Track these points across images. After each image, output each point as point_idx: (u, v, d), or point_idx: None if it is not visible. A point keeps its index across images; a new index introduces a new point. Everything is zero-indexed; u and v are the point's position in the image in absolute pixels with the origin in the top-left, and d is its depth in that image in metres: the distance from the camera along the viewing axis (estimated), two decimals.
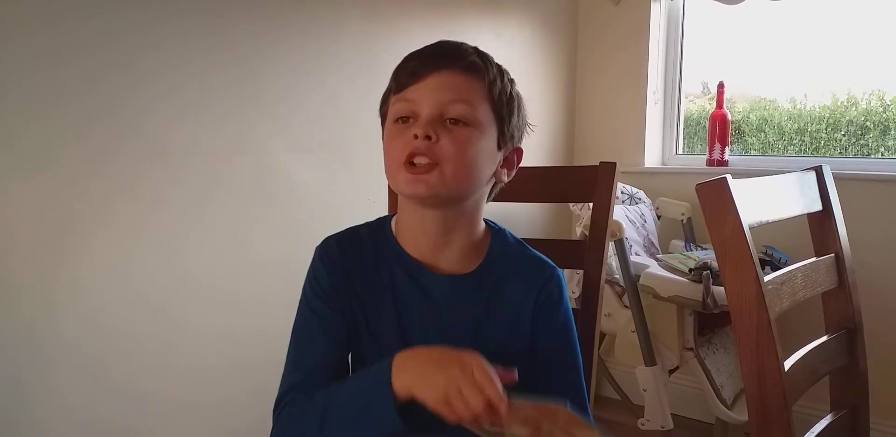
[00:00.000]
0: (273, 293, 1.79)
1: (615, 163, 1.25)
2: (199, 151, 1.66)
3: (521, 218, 2.53)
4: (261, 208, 1.80)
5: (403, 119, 0.87)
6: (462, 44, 0.91)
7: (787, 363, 0.99)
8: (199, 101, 1.65)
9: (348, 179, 1.96)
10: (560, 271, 0.98)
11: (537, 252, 0.99)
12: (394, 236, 0.95)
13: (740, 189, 0.95)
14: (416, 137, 0.84)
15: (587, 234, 2.06)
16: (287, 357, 0.93)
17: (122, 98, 1.53)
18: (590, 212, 1.32)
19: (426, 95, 0.86)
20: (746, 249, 0.91)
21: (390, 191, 1.32)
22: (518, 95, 0.94)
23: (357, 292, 0.92)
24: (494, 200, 1.17)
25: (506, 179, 0.96)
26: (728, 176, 0.93)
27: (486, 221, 0.98)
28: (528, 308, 0.94)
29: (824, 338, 1.18)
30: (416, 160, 0.84)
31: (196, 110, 1.65)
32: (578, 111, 2.80)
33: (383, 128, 0.94)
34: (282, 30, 1.81)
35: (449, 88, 0.86)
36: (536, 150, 2.65)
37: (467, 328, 0.92)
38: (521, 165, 0.99)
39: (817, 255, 1.23)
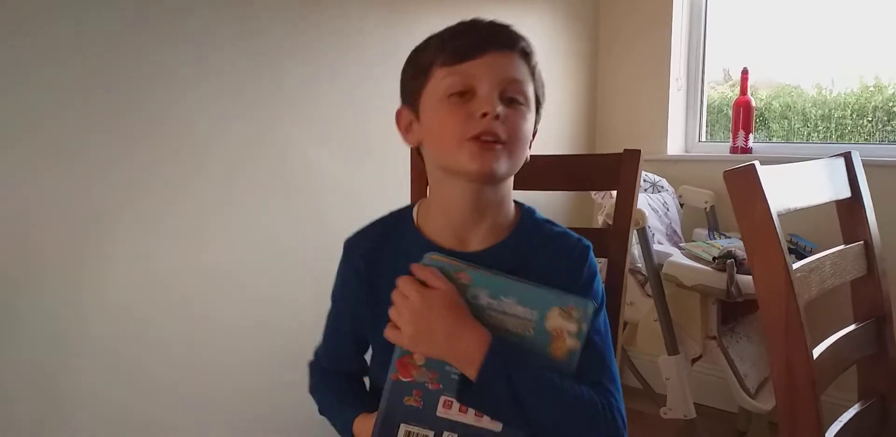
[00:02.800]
0: (296, 283, 1.80)
1: (639, 150, 1.24)
2: (220, 144, 1.67)
3: (542, 207, 2.51)
4: (282, 198, 1.80)
5: (460, 94, 0.87)
6: (510, 26, 0.92)
7: (816, 352, 0.98)
8: (219, 93, 1.65)
9: (369, 166, 1.96)
10: (590, 244, 0.96)
11: (566, 229, 0.99)
12: (415, 223, 0.96)
13: (769, 176, 0.94)
14: (483, 115, 0.84)
15: (609, 223, 2.08)
16: (325, 324, 1.05)
17: (143, 91, 1.53)
18: (612, 200, 1.31)
19: (487, 72, 0.86)
20: (775, 237, 0.90)
21: (413, 175, 1.32)
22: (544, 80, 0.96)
23: (374, 286, 0.94)
24: (518, 188, 1.17)
25: (528, 158, 0.96)
26: (756, 162, 0.92)
27: (515, 201, 0.99)
28: (559, 278, 0.92)
29: (853, 326, 1.16)
30: (484, 138, 0.85)
31: (216, 102, 1.65)
32: (600, 99, 2.78)
33: (415, 101, 0.92)
34: (303, 21, 1.80)
35: (508, 67, 0.88)
36: (558, 137, 2.63)
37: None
38: (544, 152, 0.99)
39: (846, 243, 1.21)
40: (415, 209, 0.98)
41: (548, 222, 1.00)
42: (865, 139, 2.39)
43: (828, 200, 1.13)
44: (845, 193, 1.19)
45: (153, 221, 1.57)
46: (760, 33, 2.64)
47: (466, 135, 0.85)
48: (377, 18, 1.96)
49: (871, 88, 2.38)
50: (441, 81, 0.88)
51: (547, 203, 2.54)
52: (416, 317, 0.84)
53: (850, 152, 1.22)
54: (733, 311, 2.12)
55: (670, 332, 2.04)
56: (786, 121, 2.55)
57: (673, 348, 2.05)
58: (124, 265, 1.54)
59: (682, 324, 2.08)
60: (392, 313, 0.87)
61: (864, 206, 1.20)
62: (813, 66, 2.53)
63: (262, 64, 1.73)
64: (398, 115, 0.97)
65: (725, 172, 0.92)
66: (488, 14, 2.34)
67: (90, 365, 1.49)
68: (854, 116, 2.39)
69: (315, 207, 1.86)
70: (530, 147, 0.95)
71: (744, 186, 0.91)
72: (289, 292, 1.80)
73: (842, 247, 1.16)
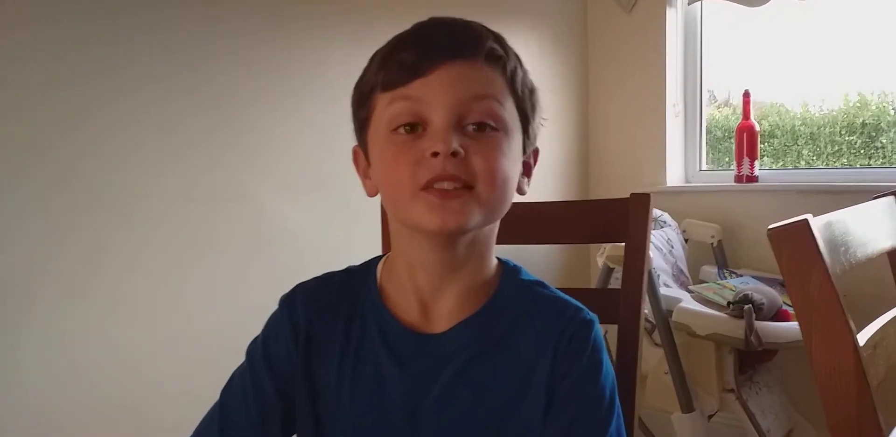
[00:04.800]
0: None
1: (648, 194, 1.04)
2: (176, 206, 1.50)
3: (523, 261, 2.32)
4: (250, 260, 1.64)
5: (408, 127, 0.66)
6: (471, 22, 0.69)
7: None
8: (171, 150, 1.49)
9: (344, 218, 1.77)
10: (594, 317, 0.73)
11: (562, 294, 0.76)
12: (378, 284, 0.75)
13: (822, 230, 0.73)
14: (435, 154, 0.64)
15: (611, 266, 1.88)
16: (213, 406, 0.76)
17: (82, 154, 1.36)
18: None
19: (439, 93, 0.65)
20: (839, 311, 0.70)
21: (384, 225, 1.10)
22: (534, 84, 0.74)
23: (312, 362, 0.73)
24: (507, 242, 0.94)
25: (526, 190, 0.74)
26: (809, 217, 0.71)
27: (498, 258, 0.77)
28: (544, 367, 0.69)
29: None
30: (439, 185, 0.64)
31: (169, 161, 1.49)
32: (592, 128, 2.60)
33: (363, 139, 0.72)
34: (261, 63, 1.65)
35: (469, 81, 0.66)
36: (548, 170, 2.43)
37: (459, 403, 0.69)
38: (532, 192, 0.76)
39: None
40: (379, 266, 0.77)
41: (538, 284, 0.77)
42: (854, 155, 2.30)
43: (890, 248, 0.93)
44: None
45: (102, 304, 1.40)
46: (741, 53, 2.53)
47: (419, 183, 0.64)
48: (343, 57, 1.78)
49: (857, 104, 2.32)
50: (385, 109, 0.67)
51: (526, 255, 2.34)
52: None
53: None
54: (749, 358, 1.93)
55: (683, 386, 1.84)
56: (774, 139, 2.46)
57: (687, 405, 1.84)
58: (69, 357, 1.36)
59: (696, 377, 1.88)
60: None
61: None
62: (798, 84, 2.45)
63: (218, 115, 1.57)
64: (354, 156, 0.76)
65: (771, 230, 0.71)
66: None
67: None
68: (843, 132, 2.33)
69: (287, 264, 1.68)
70: (529, 181, 0.74)
71: (795, 248, 0.70)
72: None
73: None
